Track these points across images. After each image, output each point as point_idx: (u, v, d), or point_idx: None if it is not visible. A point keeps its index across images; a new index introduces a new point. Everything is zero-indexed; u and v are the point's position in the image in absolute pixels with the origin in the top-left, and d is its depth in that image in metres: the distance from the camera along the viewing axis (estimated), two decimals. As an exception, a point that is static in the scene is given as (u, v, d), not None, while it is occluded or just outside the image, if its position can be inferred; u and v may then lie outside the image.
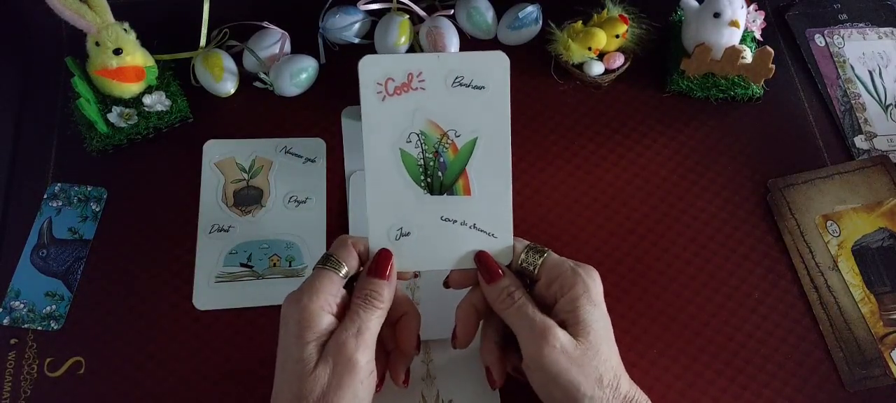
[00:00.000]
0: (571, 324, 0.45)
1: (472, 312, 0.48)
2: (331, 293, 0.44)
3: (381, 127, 0.47)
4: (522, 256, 0.47)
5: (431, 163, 0.47)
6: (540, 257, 0.47)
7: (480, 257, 0.47)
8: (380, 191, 0.47)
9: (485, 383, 0.50)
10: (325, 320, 0.43)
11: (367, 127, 0.47)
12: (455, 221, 0.48)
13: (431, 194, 0.48)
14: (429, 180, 0.47)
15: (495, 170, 0.47)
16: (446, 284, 0.50)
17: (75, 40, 0.60)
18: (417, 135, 0.47)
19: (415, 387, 0.52)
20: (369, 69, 0.46)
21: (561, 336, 0.44)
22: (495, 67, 0.47)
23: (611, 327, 0.46)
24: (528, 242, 0.48)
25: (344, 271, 0.45)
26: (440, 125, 0.47)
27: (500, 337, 0.49)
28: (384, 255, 0.46)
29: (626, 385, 0.45)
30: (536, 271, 0.47)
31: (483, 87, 0.47)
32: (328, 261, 0.45)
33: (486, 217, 0.48)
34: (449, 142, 0.47)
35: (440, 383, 0.52)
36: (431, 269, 0.48)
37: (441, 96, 0.47)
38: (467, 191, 0.48)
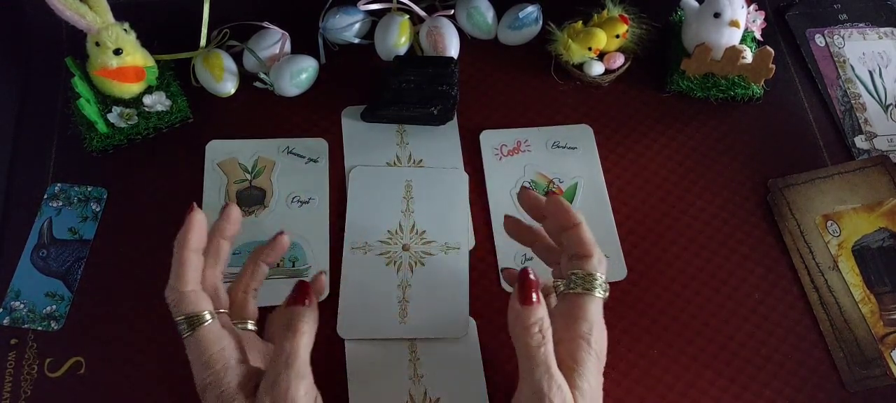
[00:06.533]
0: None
1: (519, 231, 0.52)
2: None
3: (500, 178, 0.60)
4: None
5: None
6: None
7: (522, 276, 0.42)
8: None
9: (473, 381, 0.52)
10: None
11: (489, 179, 0.60)
12: None
13: None
14: None
15: (597, 204, 0.59)
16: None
17: (75, 40, 0.60)
18: (529, 183, 0.60)
19: (402, 386, 0.52)
20: (488, 139, 0.62)
21: None
22: (583, 134, 0.63)
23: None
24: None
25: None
26: (546, 175, 0.61)
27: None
28: (303, 286, 0.42)
29: None
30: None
31: (575, 148, 0.63)
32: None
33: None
34: (555, 186, 0.60)
35: (427, 381, 0.52)
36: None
37: (544, 155, 0.62)
38: None
